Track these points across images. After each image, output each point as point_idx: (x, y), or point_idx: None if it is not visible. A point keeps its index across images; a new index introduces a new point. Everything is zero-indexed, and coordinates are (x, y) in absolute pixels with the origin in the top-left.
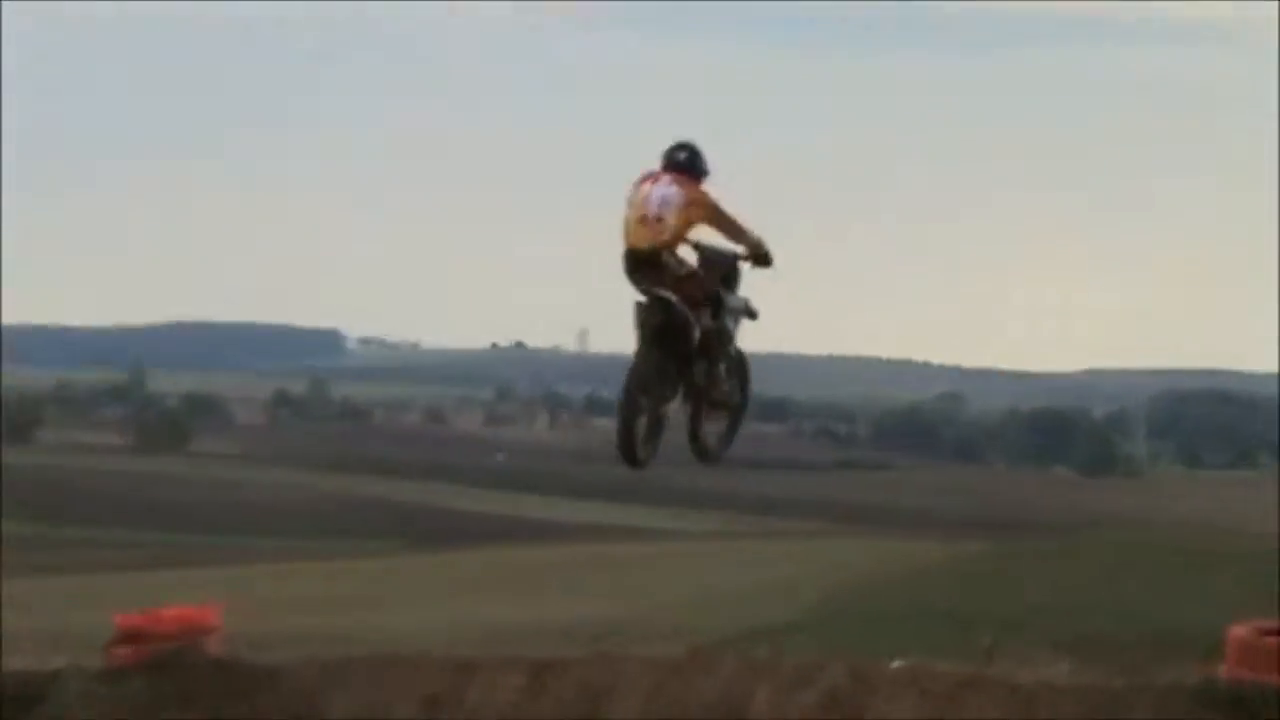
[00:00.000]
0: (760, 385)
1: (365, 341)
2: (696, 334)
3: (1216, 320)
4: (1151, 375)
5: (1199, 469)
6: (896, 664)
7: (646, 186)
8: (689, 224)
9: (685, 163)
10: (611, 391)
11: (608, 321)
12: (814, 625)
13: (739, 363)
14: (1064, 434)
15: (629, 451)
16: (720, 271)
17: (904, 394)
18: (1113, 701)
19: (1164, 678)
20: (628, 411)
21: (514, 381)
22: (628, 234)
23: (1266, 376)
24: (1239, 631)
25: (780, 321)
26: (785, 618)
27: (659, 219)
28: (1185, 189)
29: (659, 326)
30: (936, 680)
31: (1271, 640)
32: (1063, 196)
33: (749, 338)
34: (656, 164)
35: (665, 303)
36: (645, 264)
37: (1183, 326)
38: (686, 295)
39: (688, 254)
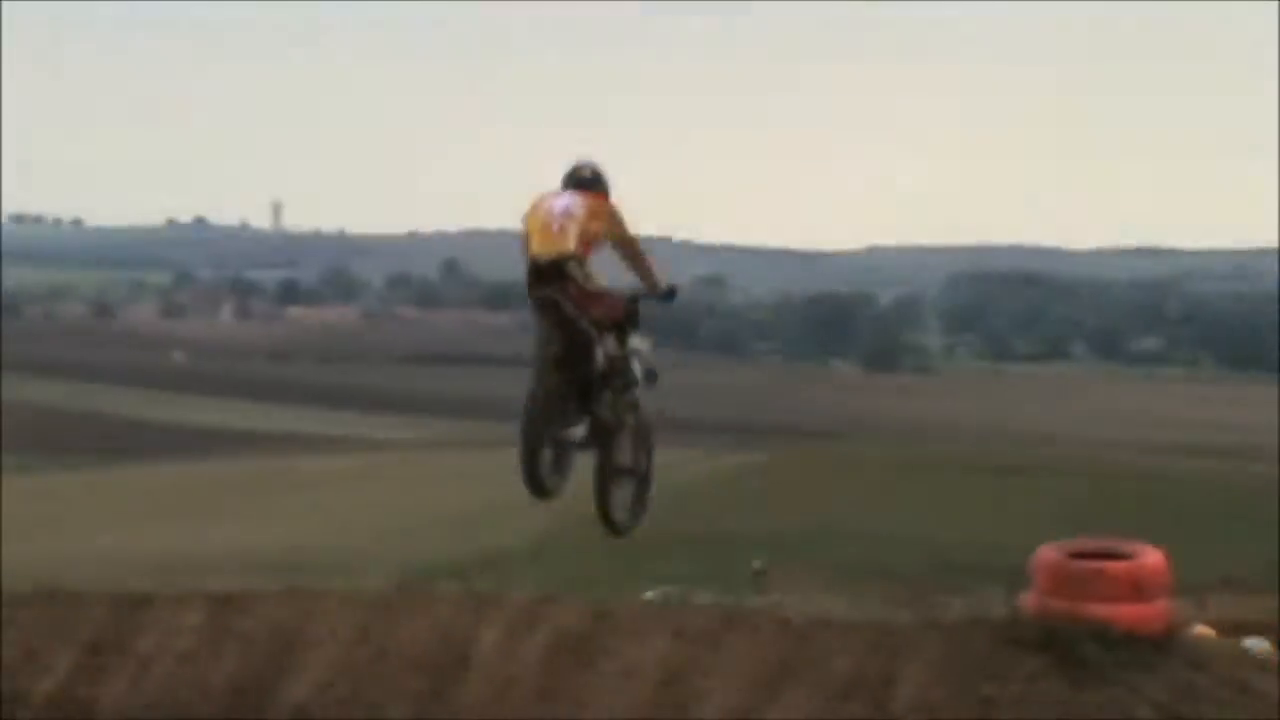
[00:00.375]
0: (485, 266)
1: (17, 219)
2: (600, 356)
3: (1020, 189)
4: (945, 253)
5: (1003, 363)
6: (648, 596)
7: (548, 201)
8: (594, 235)
9: (589, 181)
10: (310, 274)
11: (305, 194)
12: (549, 552)
13: (644, 426)
14: (844, 323)
15: (535, 483)
16: (621, 308)
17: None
18: (899, 639)
19: (959, 611)
20: (530, 442)
21: (194, 265)
22: (529, 246)
23: (1081, 254)
24: (1047, 555)
25: (511, 191)
26: (515, 543)
27: (562, 229)
28: (989, 42)
29: (560, 346)
30: (693, 616)
31: (1086, 564)
32: (842, 53)
33: (460, 211)
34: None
35: (565, 317)
36: (549, 274)
37: (981, 197)
38: (592, 315)
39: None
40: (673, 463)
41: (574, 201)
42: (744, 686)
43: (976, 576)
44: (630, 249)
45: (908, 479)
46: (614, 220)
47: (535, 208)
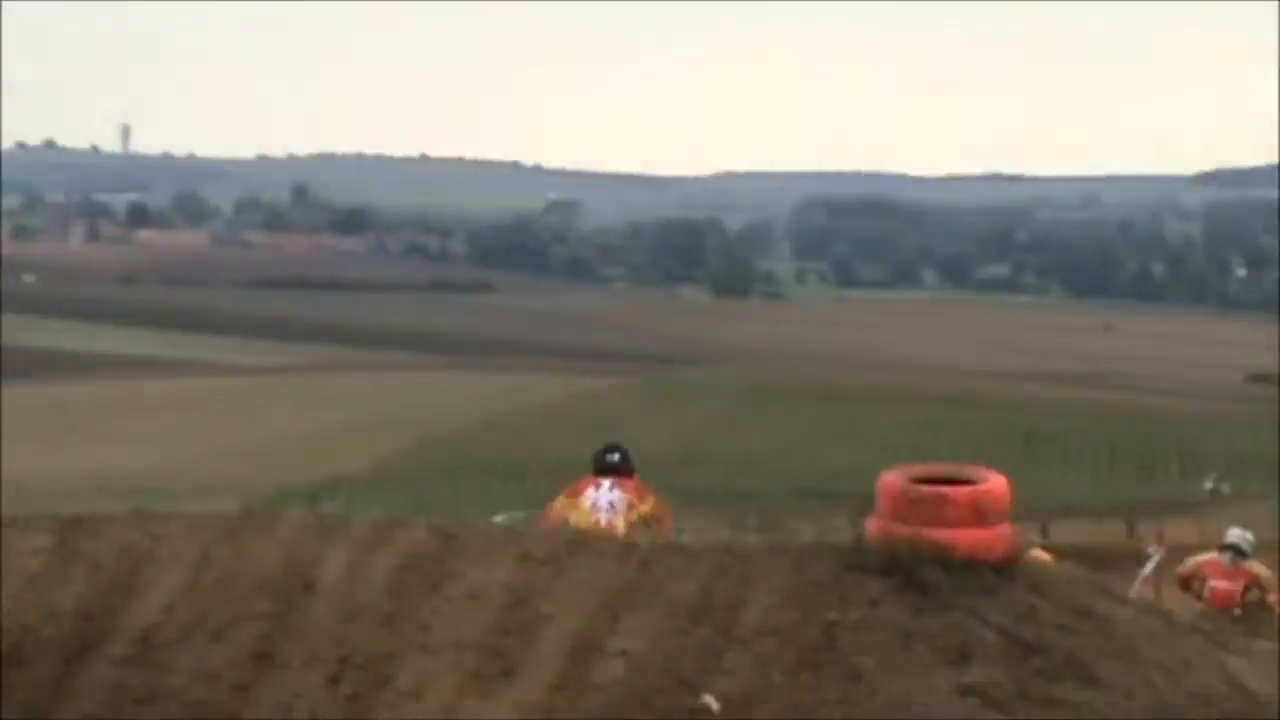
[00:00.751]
0: (335, 191)
1: None
2: None
3: (871, 115)
4: (795, 179)
5: (853, 289)
6: (499, 519)
7: (590, 491)
8: (634, 525)
9: (618, 466)
10: (160, 197)
11: (154, 115)
12: (396, 476)
13: None
14: (694, 249)
15: None
16: None
17: (509, 203)
18: (744, 564)
19: (803, 536)
20: None
21: (44, 188)
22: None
23: (931, 180)
24: (891, 479)
25: (361, 117)
26: (361, 467)
27: (610, 524)
28: None
29: None
30: (539, 541)
31: (928, 489)
32: None
33: (304, 133)
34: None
35: None
36: None
37: (831, 122)
38: None
39: None
40: (522, 387)
41: (615, 495)
42: (590, 610)
43: (823, 501)
44: (657, 521)
45: (759, 405)
46: (649, 501)
47: (576, 501)
